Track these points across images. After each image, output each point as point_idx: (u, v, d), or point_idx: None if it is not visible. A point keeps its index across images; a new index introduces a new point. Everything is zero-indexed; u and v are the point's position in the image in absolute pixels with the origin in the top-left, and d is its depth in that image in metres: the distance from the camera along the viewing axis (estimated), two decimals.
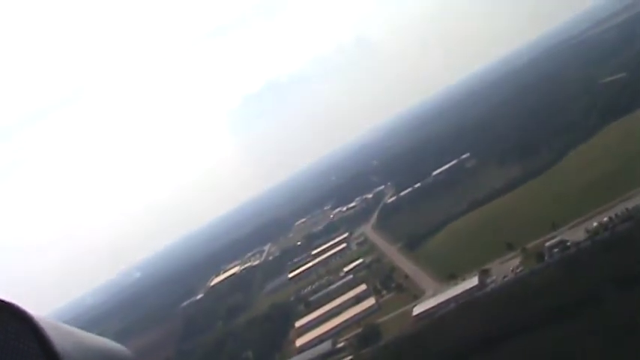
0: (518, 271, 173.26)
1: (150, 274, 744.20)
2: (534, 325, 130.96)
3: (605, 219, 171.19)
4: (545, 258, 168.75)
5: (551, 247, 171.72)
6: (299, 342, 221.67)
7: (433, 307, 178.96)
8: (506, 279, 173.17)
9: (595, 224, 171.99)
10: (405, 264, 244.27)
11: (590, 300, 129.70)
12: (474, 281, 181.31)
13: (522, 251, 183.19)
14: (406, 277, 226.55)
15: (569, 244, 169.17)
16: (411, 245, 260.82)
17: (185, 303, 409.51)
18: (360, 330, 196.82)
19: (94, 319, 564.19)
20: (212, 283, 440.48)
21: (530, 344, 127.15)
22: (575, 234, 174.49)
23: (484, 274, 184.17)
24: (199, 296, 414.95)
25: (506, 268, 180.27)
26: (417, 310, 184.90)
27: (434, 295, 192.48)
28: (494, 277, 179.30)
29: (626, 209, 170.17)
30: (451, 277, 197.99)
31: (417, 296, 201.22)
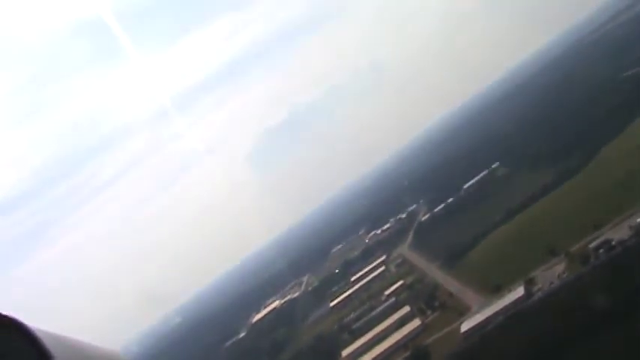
0: (564, 276, 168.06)
1: (190, 318, 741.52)
2: (588, 332, 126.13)
3: None
4: (591, 260, 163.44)
5: (596, 248, 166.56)
6: None
7: (481, 323, 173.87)
8: (552, 285, 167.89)
9: (639, 220, 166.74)
10: (448, 281, 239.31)
11: None
12: (520, 291, 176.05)
13: (566, 255, 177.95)
14: (450, 294, 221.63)
15: (614, 243, 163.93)
16: (451, 261, 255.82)
17: (228, 343, 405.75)
18: (408, 353, 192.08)
19: None
20: (254, 320, 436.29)
21: (586, 352, 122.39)
22: (619, 232, 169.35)
23: (529, 283, 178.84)
24: (242, 335, 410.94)
25: (552, 274, 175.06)
26: (464, 327, 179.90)
27: (480, 310, 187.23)
28: (540, 285, 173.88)
29: None
30: (496, 289, 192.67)
31: (462, 313, 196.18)
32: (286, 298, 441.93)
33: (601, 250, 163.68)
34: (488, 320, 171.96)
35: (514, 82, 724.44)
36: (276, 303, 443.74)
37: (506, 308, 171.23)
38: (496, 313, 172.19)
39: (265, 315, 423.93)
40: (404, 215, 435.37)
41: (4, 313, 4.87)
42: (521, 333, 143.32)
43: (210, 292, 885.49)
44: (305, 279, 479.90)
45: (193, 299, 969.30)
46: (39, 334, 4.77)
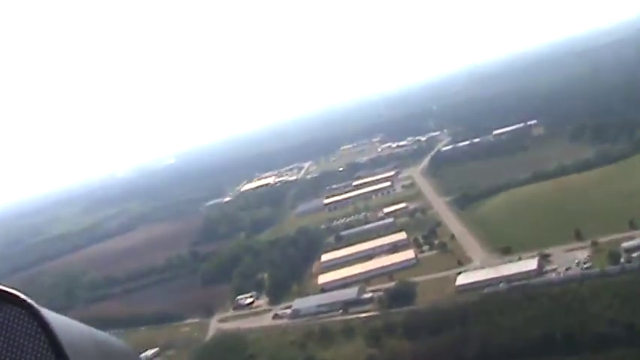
0: (584, 266, 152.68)
1: (184, 163, 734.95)
2: (599, 343, 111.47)
3: None
4: (622, 260, 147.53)
5: (630, 249, 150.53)
6: (322, 279, 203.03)
7: (480, 282, 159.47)
8: (569, 272, 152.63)
9: None
10: (453, 222, 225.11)
11: None
12: (531, 264, 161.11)
13: (592, 245, 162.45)
14: (452, 237, 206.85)
15: None
16: (463, 203, 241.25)
17: (211, 202, 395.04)
18: (392, 284, 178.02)
19: (119, 195, 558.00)
20: (242, 188, 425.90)
21: None
22: None
23: (544, 258, 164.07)
24: (227, 199, 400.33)
25: (571, 258, 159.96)
26: (461, 279, 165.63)
27: (482, 267, 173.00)
28: (555, 266, 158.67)
29: None
30: (505, 251, 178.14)
31: (462, 262, 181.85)
32: (282, 178, 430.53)
33: (635, 254, 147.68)
34: (489, 282, 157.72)
35: (584, 45, 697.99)
36: (271, 179, 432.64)
37: (512, 277, 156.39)
38: (500, 278, 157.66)
39: (256, 187, 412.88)
40: (424, 138, 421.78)
41: (16, 292, 5.04)
42: (526, 312, 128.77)
43: (210, 149, 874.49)
44: (306, 165, 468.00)
45: (192, 150, 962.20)
46: (48, 317, 4.94)
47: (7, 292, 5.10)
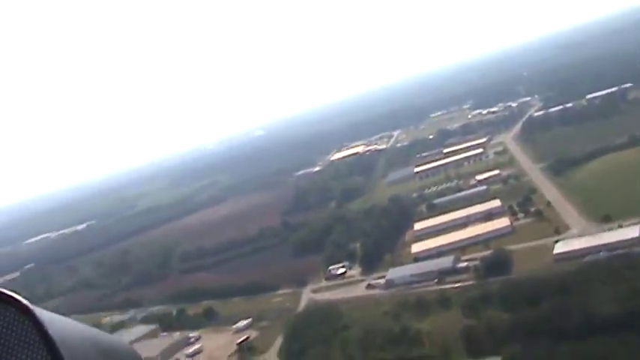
0: None
1: (273, 134, 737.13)
2: None
3: None
4: None
5: None
6: (415, 248, 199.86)
7: (580, 250, 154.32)
8: None
9: None
10: (548, 189, 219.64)
11: None
12: (633, 231, 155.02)
13: None
14: (548, 204, 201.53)
15: None
16: (558, 169, 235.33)
17: (300, 172, 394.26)
18: (487, 253, 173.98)
19: (210, 168, 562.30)
20: (332, 158, 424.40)
21: None
22: None
23: None
24: (316, 168, 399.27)
25: None
26: (559, 247, 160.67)
27: (581, 234, 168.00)
28: None
29: None
30: (604, 219, 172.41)
31: (559, 231, 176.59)
32: (371, 147, 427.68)
33: None
34: (588, 250, 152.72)
35: None
36: (360, 148, 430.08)
37: (613, 245, 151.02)
38: (600, 246, 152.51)
39: (345, 156, 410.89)
40: (515, 104, 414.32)
41: (10, 292, 5.02)
42: (627, 282, 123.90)
43: (299, 119, 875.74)
44: (396, 134, 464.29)
45: (280, 121, 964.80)
46: (42, 317, 4.96)
47: (0, 292, 5.04)
